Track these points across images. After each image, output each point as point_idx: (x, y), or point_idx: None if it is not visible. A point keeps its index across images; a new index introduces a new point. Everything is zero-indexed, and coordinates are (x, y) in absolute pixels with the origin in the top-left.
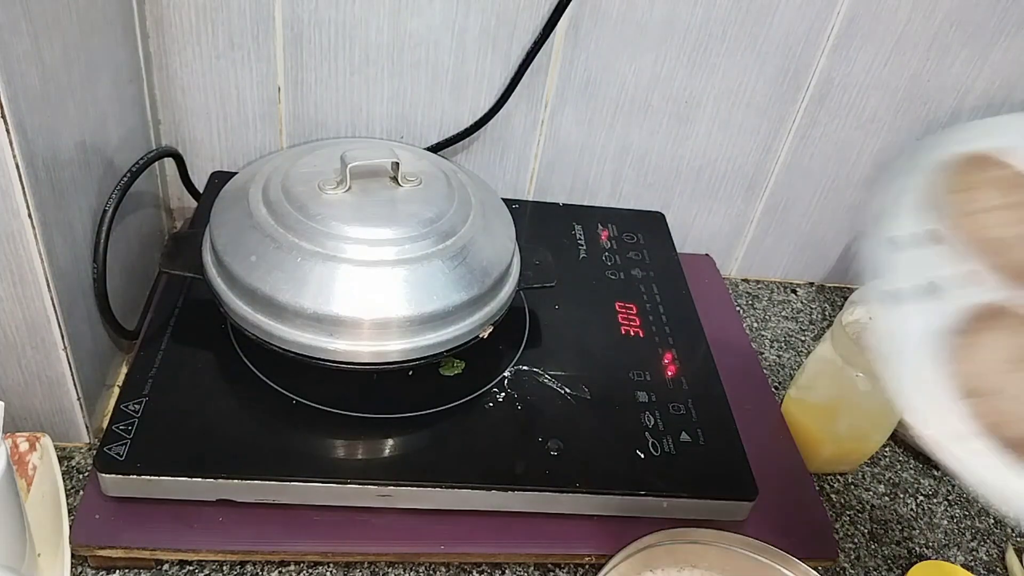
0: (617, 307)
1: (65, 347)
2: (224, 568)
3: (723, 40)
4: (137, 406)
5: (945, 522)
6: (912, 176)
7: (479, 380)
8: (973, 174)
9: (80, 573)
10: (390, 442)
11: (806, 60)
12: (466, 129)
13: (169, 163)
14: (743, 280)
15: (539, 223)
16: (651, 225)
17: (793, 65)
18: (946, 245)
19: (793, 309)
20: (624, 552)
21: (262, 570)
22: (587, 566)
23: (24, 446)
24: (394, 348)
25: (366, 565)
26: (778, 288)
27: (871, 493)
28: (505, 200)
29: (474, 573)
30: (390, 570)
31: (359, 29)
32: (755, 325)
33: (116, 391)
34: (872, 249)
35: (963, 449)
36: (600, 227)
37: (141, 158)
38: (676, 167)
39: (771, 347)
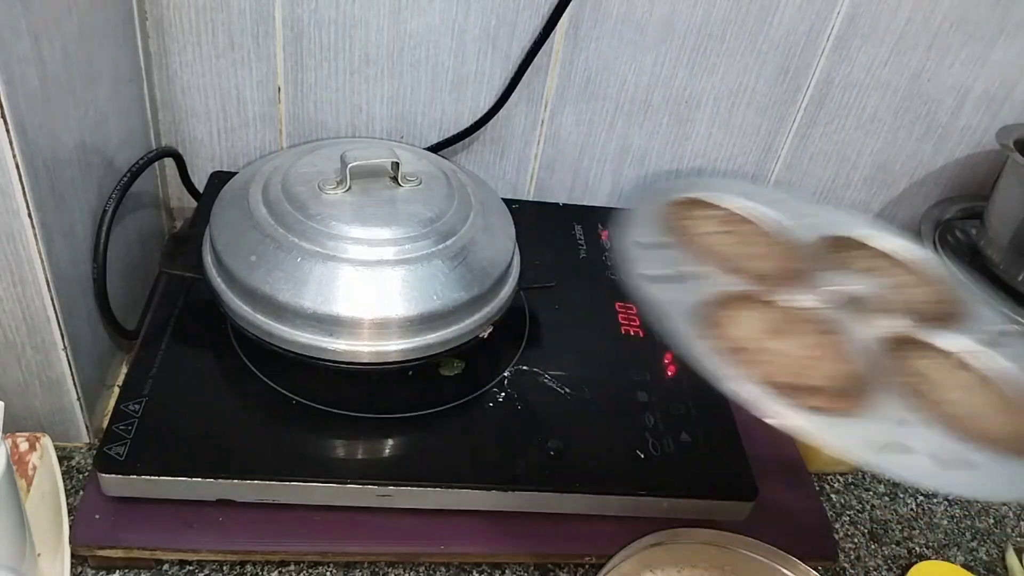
0: (617, 307)
1: (65, 347)
2: (224, 568)
3: (723, 40)
4: (137, 406)
5: (945, 522)
6: (646, 206)
7: (479, 380)
8: (694, 211)
9: (80, 573)
10: (390, 442)
11: (806, 60)
12: (466, 129)
13: (169, 163)
14: None
15: (539, 223)
16: None
17: (793, 65)
18: (676, 251)
19: None
20: (624, 552)
21: (262, 570)
22: (587, 566)
23: (24, 446)
24: (394, 348)
25: (366, 565)
26: None
27: (871, 493)
28: (505, 200)
29: (474, 573)
30: (390, 570)
31: (359, 29)
32: None
33: (116, 391)
34: (624, 248)
35: (742, 389)
36: (600, 227)
37: (141, 158)
38: (676, 167)
39: None
